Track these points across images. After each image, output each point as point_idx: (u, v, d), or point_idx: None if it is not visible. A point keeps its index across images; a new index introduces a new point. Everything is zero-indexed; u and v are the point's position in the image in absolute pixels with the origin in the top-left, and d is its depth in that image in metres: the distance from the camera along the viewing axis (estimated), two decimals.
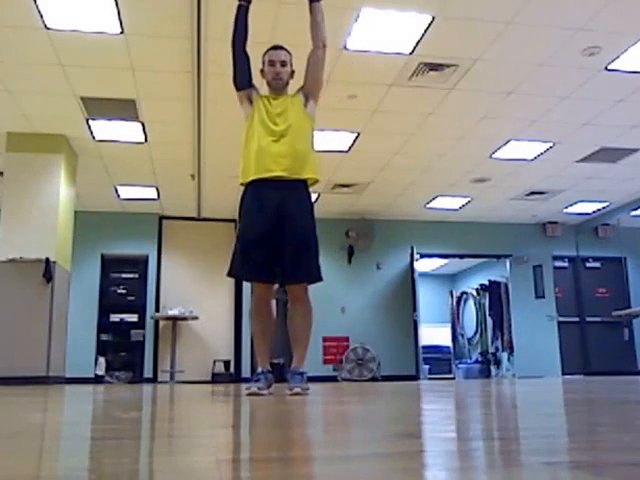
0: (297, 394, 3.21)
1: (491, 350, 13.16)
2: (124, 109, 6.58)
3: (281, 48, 3.67)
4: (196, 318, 9.90)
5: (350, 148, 7.73)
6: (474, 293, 13.98)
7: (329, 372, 10.19)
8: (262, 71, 3.63)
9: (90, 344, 9.69)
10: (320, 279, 3.49)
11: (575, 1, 4.83)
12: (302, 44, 5.35)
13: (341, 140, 7.49)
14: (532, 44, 5.45)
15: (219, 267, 10.63)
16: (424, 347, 11.34)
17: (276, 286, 3.74)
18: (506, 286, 12.10)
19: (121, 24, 5.06)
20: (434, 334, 14.53)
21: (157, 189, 9.26)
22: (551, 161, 8.31)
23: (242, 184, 3.52)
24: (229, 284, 10.51)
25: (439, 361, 14.05)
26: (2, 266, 6.88)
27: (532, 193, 9.72)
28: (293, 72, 3.65)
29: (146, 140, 7.40)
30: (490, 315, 13.02)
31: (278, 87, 3.59)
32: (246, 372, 9.98)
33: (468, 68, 5.83)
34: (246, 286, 10.26)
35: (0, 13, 4.92)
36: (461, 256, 11.45)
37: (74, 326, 8.59)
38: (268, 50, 3.67)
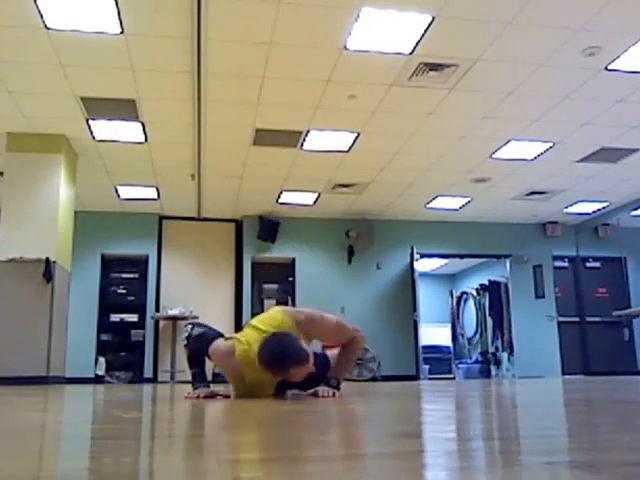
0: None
1: (491, 350, 13.16)
2: (124, 109, 6.58)
3: (284, 369, 2.97)
4: (196, 318, 9.89)
5: (350, 148, 7.73)
6: (474, 293, 13.97)
7: None
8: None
9: (90, 344, 9.70)
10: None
11: (575, 1, 4.83)
12: (302, 44, 5.39)
13: (341, 140, 7.49)
14: (532, 44, 5.45)
15: (219, 267, 10.65)
16: (424, 347, 11.34)
17: None
18: (506, 286, 12.09)
19: (121, 24, 5.06)
20: (434, 334, 14.52)
21: (157, 189, 9.26)
22: (551, 161, 8.31)
23: None
24: (229, 284, 10.52)
25: (439, 361, 14.04)
26: (2, 266, 6.88)
27: (532, 193, 9.72)
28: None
29: (146, 140, 7.40)
30: (490, 315, 13.02)
31: None
32: None
33: (468, 68, 5.83)
34: (246, 288, 10.28)
35: (0, 13, 4.92)
36: (461, 256, 11.45)
37: (74, 326, 8.60)
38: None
